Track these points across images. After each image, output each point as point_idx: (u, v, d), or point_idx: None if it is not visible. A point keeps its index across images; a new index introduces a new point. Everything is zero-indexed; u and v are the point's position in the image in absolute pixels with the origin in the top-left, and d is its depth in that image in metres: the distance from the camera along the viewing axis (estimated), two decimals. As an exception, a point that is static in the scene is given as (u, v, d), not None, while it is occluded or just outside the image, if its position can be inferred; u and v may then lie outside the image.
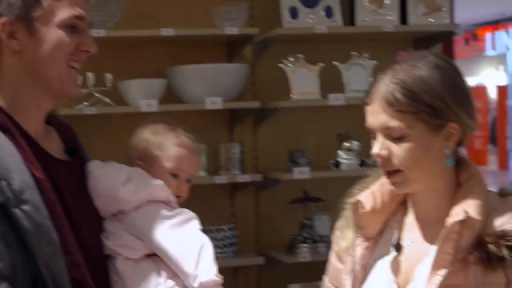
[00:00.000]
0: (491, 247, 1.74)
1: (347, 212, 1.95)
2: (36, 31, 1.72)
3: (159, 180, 1.97)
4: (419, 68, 1.79)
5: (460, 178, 1.85)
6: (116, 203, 1.91)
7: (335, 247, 2.04)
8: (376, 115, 1.80)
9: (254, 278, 4.18)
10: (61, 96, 1.81)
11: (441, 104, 1.77)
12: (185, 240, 1.90)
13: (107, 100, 3.80)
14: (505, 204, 1.83)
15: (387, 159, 1.80)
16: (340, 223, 2.03)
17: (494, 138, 19.43)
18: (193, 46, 4.11)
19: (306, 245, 3.97)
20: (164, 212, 1.93)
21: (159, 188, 1.95)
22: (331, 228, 4.11)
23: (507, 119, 18.50)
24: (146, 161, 2.02)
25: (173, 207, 1.97)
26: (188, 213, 1.96)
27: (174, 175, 2.03)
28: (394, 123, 1.76)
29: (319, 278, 4.14)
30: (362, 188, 1.97)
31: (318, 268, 4.12)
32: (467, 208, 1.77)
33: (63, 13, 1.74)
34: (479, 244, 1.76)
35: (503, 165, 17.72)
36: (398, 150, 1.78)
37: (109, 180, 1.90)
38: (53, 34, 1.73)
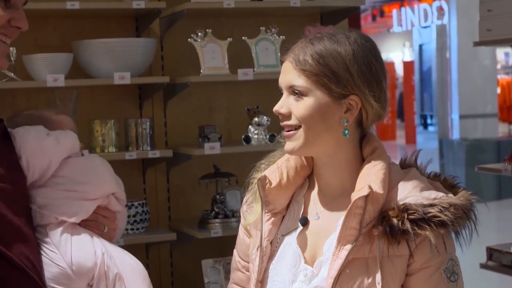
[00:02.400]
0: (395, 221, 1.77)
1: (255, 188, 1.97)
2: None
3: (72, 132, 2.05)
4: (335, 38, 1.85)
5: (364, 152, 1.89)
6: (44, 159, 1.95)
7: (242, 221, 2.06)
8: (285, 73, 1.86)
9: (166, 254, 4.17)
10: None
11: (346, 74, 1.82)
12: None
13: (11, 75, 3.71)
14: (407, 177, 1.87)
15: (287, 117, 1.86)
16: (247, 198, 2.04)
17: (401, 113, 19.86)
18: (100, 20, 4.04)
19: (218, 220, 3.98)
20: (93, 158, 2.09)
21: (76, 138, 2.05)
22: (242, 202, 4.16)
23: (414, 95, 18.94)
24: None
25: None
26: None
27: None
28: (298, 81, 1.83)
29: (231, 253, 4.18)
30: (269, 163, 1.99)
31: (230, 243, 4.13)
32: (370, 183, 1.80)
33: None
34: (383, 218, 1.80)
35: (410, 139, 18.16)
36: (296, 107, 1.84)
37: (33, 135, 1.95)
38: None
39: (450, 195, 1.84)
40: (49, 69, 3.71)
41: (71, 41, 3.91)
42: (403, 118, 19.35)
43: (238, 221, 3.90)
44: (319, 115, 1.83)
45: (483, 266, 4.39)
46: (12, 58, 3.70)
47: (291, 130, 1.86)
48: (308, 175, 1.97)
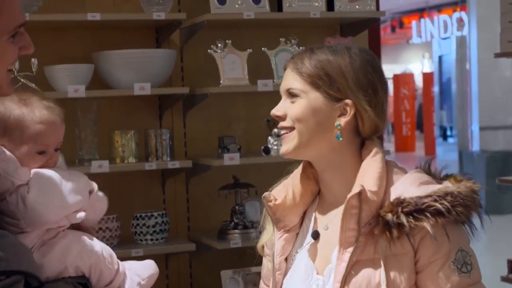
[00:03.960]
0: (389, 215, 1.77)
1: (264, 210, 2.00)
2: None
3: (22, 169, 1.87)
4: (337, 49, 1.89)
5: (362, 158, 1.90)
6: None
7: (259, 246, 2.07)
8: (285, 78, 1.92)
9: (186, 265, 4.18)
10: None
11: (341, 78, 1.86)
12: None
13: (32, 85, 3.74)
14: (406, 175, 1.88)
15: (282, 118, 1.91)
16: (262, 219, 2.06)
17: (420, 124, 19.79)
18: (120, 31, 4.07)
19: (237, 231, 3.98)
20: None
21: (22, 178, 1.87)
22: (262, 214, 4.15)
23: (433, 106, 18.88)
24: (9, 144, 1.89)
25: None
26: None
27: (41, 152, 1.92)
28: (294, 84, 1.88)
29: (251, 264, 4.18)
30: (279, 183, 2.01)
31: (249, 254, 4.15)
32: (363, 182, 1.82)
33: (9, 26, 1.67)
34: (380, 215, 1.80)
35: (429, 150, 18.08)
36: (291, 108, 1.88)
37: None
38: (5, 42, 1.67)
39: (450, 185, 1.83)
40: (70, 80, 3.73)
41: (91, 52, 3.93)
42: (422, 130, 19.29)
43: (258, 232, 3.94)
44: (312, 116, 1.86)
45: (504, 279, 4.36)
46: (33, 69, 3.73)
47: (287, 133, 1.89)
48: (317, 192, 1.98)
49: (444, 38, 17.85)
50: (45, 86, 3.79)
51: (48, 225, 1.88)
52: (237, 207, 4.02)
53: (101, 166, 3.72)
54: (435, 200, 1.76)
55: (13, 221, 1.82)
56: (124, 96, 3.96)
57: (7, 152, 1.87)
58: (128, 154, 3.89)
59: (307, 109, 1.85)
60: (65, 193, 1.89)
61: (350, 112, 1.86)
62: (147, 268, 2.06)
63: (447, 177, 1.91)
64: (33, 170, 1.90)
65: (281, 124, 1.91)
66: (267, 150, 4.02)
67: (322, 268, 1.89)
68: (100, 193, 2.03)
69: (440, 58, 19.18)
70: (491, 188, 9.61)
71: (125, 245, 3.82)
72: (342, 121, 1.86)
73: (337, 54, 1.87)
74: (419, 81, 20.83)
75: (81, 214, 1.93)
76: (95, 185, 2.00)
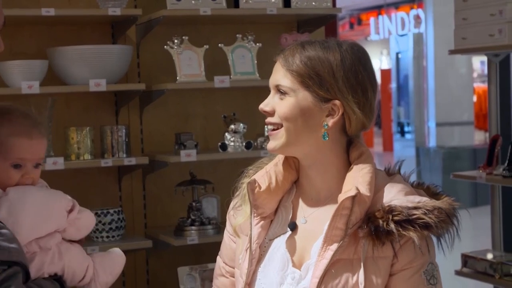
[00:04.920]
0: (380, 221, 1.80)
1: (243, 192, 1.99)
2: None
3: None
4: (328, 45, 1.89)
5: (351, 157, 1.92)
6: None
7: (228, 226, 2.07)
8: (275, 72, 1.92)
9: (143, 261, 4.16)
10: None
11: (331, 78, 1.86)
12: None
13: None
14: (391, 182, 1.90)
15: (270, 114, 1.90)
16: (234, 203, 2.05)
17: (378, 120, 19.89)
18: (75, 26, 4.03)
19: (194, 227, 3.96)
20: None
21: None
22: (219, 210, 4.17)
23: (391, 102, 19.02)
24: None
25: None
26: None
27: (16, 166, 1.89)
28: (284, 81, 1.88)
29: (208, 260, 4.18)
30: (257, 168, 2.01)
31: (206, 251, 4.16)
32: (357, 185, 1.84)
33: None
34: (369, 219, 1.83)
35: (387, 146, 18.23)
36: (279, 105, 1.88)
37: None
38: None
39: (433, 200, 1.88)
40: (24, 76, 3.69)
41: (46, 48, 3.89)
42: (380, 126, 19.43)
43: (215, 229, 3.95)
44: (300, 115, 1.87)
45: (458, 272, 4.41)
46: (-14, 65, 3.69)
47: (275, 129, 1.90)
48: (295, 181, 1.99)
49: (402, 35, 17.98)
50: (-1, 82, 3.75)
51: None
52: (194, 204, 4.01)
53: (56, 163, 3.68)
54: (425, 213, 1.81)
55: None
56: (80, 92, 3.92)
57: None
58: (83, 151, 3.85)
59: (295, 108, 1.86)
60: (37, 215, 1.84)
61: (338, 112, 1.87)
62: (115, 257, 2.05)
63: (419, 185, 1.97)
64: (8, 188, 1.85)
65: (269, 120, 1.91)
66: (224, 147, 4.02)
67: (299, 261, 1.91)
68: (85, 211, 1.98)
69: (397, 55, 19.32)
70: (446, 183, 9.73)
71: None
72: (330, 121, 1.88)
73: (328, 52, 1.87)
74: (377, 78, 20.96)
75: (54, 240, 1.89)
76: (75, 203, 1.95)
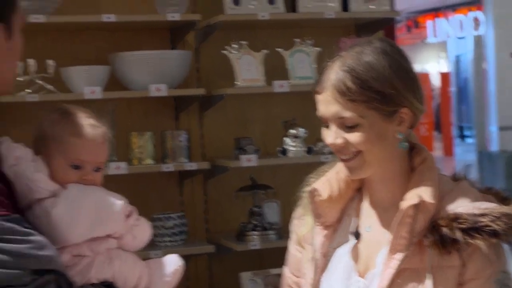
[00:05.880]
0: (445, 230, 1.75)
1: (305, 201, 1.96)
2: (12, 35, 1.69)
3: (41, 174, 1.81)
4: (366, 54, 1.79)
5: (413, 163, 1.87)
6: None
7: (293, 236, 2.04)
8: (328, 105, 1.80)
9: (205, 266, 4.16)
10: None
11: (392, 90, 1.78)
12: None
13: (49, 87, 3.75)
14: (457, 188, 1.85)
15: (343, 146, 1.81)
16: (298, 212, 2.02)
17: (438, 124, 19.69)
18: (135, 32, 4.07)
19: (255, 232, 3.96)
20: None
21: (39, 184, 1.80)
22: (280, 215, 4.16)
23: (450, 106, 18.79)
24: (45, 153, 1.85)
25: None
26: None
27: (75, 167, 1.86)
28: (347, 113, 1.77)
29: (269, 266, 4.17)
30: (318, 176, 1.97)
31: (268, 256, 4.15)
32: (420, 193, 1.79)
33: (22, 19, 1.73)
34: (434, 227, 1.77)
35: (448, 151, 18.00)
36: (352, 137, 1.79)
37: (4, 157, 1.78)
38: (19, 39, 1.72)
39: (502, 206, 1.81)
40: (86, 82, 3.74)
41: (107, 53, 3.93)
42: (440, 130, 19.20)
43: (276, 234, 3.93)
44: (376, 138, 1.80)
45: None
46: (50, 71, 3.74)
47: (350, 158, 1.82)
48: (358, 188, 1.95)
49: (460, 38, 17.76)
50: (62, 88, 3.80)
51: (66, 244, 1.79)
52: (255, 209, 4.01)
53: (119, 167, 3.72)
54: (492, 220, 1.74)
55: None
56: (141, 97, 3.96)
57: (32, 157, 1.83)
58: (145, 156, 3.88)
59: (369, 134, 1.78)
60: (96, 214, 1.82)
61: (408, 117, 1.81)
62: (171, 264, 2.03)
63: (487, 190, 1.89)
64: (69, 184, 1.84)
65: (344, 152, 1.81)
66: (284, 151, 4.01)
67: (364, 270, 1.87)
68: (143, 219, 1.94)
69: (457, 57, 19.08)
70: (509, 188, 9.54)
71: (144, 246, 3.80)
72: (402, 128, 1.82)
73: (374, 62, 1.78)
74: (435, 81, 20.74)
75: (106, 245, 1.85)
76: (134, 210, 1.91)
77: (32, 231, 1.57)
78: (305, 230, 1.96)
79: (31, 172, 1.79)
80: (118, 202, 1.88)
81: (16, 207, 1.68)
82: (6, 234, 1.53)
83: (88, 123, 1.89)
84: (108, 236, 1.88)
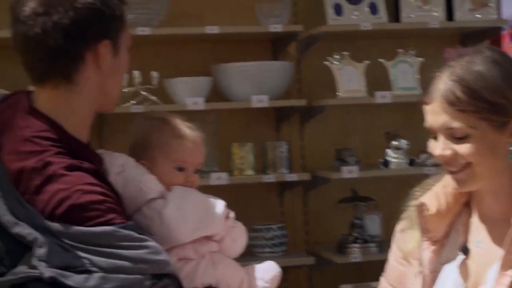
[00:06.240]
0: None
1: (411, 215, 1.91)
2: (119, 53, 1.74)
3: (150, 176, 1.87)
4: (476, 63, 1.73)
5: None
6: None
7: (395, 249, 1.99)
8: (437, 115, 1.75)
9: (305, 278, 4.14)
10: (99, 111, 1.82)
11: (503, 100, 1.71)
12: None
13: (153, 98, 3.81)
14: None
15: (451, 158, 1.76)
16: (401, 226, 1.98)
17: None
18: (237, 43, 4.10)
19: (356, 245, 3.92)
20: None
21: (149, 185, 1.86)
22: (382, 227, 4.10)
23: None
24: (149, 159, 1.92)
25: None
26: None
27: (180, 169, 1.93)
28: (457, 123, 1.72)
29: (370, 279, 4.10)
30: (424, 190, 1.92)
31: (368, 269, 4.10)
32: None
33: (129, 36, 1.79)
34: None
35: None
36: (462, 149, 1.74)
37: (107, 167, 1.83)
38: (125, 56, 1.77)
39: None
40: (189, 93, 3.79)
41: (210, 64, 3.98)
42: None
43: (378, 246, 3.88)
44: (487, 149, 1.73)
45: None
46: (154, 82, 3.80)
47: (459, 170, 1.77)
48: (465, 202, 1.89)
49: None
50: (165, 99, 3.86)
51: (176, 244, 1.84)
52: (356, 221, 3.97)
53: (220, 178, 3.75)
54: None
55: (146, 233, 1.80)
56: (242, 108, 3.98)
57: (134, 162, 1.88)
58: (246, 167, 3.91)
59: (480, 145, 1.72)
60: (201, 213, 1.86)
61: None
62: (269, 270, 2.03)
63: None
64: (173, 186, 1.89)
65: (453, 164, 1.76)
66: (386, 163, 3.96)
67: (473, 287, 1.81)
68: (238, 222, 1.98)
69: None
70: None
71: (244, 256, 3.79)
72: None
73: (484, 72, 1.72)
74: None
75: (208, 247, 1.90)
76: (231, 212, 1.96)
77: (146, 237, 1.61)
78: (411, 245, 1.91)
79: (140, 174, 1.85)
80: (219, 203, 1.92)
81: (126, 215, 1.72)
82: (125, 241, 1.56)
83: (187, 126, 1.98)
84: (209, 238, 1.91)
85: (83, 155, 1.68)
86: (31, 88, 1.76)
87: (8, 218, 1.55)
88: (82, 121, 1.74)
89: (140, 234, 1.59)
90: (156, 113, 2.06)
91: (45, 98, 1.71)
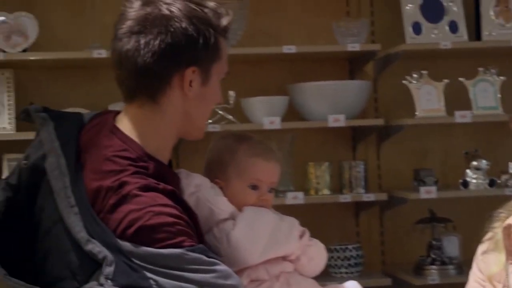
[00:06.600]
0: None
1: (496, 237, 1.87)
2: (209, 82, 1.76)
3: (221, 197, 1.86)
4: None
5: None
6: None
7: (477, 270, 1.95)
8: None
9: (382, 300, 4.09)
10: (184, 138, 1.84)
11: None
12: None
13: (230, 117, 3.83)
14: None
15: None
16: (484, 248, 1.94)
17: None
18: (314, 62, 4.10)
19: (434, 267, 3.86)
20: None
21: (220, 206, 1.85)
22: (461, 249, 4.01)
23: None
24: (223, 178, 1.92)
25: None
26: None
27: (254, 187, 1.92)
28: None
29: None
30: (509, 211, 1.88)
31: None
32: None
33: (225, 68, 1.80)
34: None
35: None
36: None
37: (183, 187, 1.84)
38: (216, 87, 1.78)
39: None
40: (266, 112, 3.80)
41: (286, 84, 3.98)
42: None
43: (456, 269, 3.80)
44: None
45: None
46: (231, 101, 3.83)
47: None
48: None
49: None
50: (242, 118, 3.88)
51: (245, 265, 1.83)
52: (434, 242, 3.91)
53: (296, 197, 3.74)
54: None
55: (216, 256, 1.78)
56: (318, 127, 3.97)
57: (210, 183, 1.89)
58: (322, 186, 3.89)
59: None
60: (273, 234, 1.84)
61: None
62: None
63: None
64: (245, 207, 1.89)
65: None
66: (465, 184, 3.89)
67: None
68: (316, 240, 1.95)
69: None
70: None
71: (320, 277, 3.79)
72: None
73: None
74: None
75: (281, 268, 1.87)
76: (306, 230, 1.94)
77: (216, 260, 1.61)
78: (495, 268, 1.87)
79: (211, 195, 1.85)
80: (292, 221, 1.90)
81: (200, 236, 1.72)
82: (193, 264, 1.57)
83: (263, 145, 1.98)
84: (284, 258, 1.89)
85: (161, 175, 1.69)
86: (119, 107, 1.81)
87: (82, 234, 1.57)
88: (163, 142, 1.76)
89: (209, 257, 1.59)
90: (232, 132, 2.08)
91: (130, 117, 1.75)
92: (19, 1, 3.93)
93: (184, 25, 1.70)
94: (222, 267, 1.60)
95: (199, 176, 1.88)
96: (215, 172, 1.94)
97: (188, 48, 1.71)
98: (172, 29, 1.70)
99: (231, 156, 1.94)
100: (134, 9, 1.73)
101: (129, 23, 1.72)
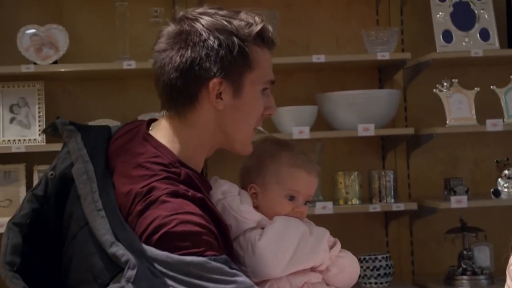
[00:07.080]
0: None
1: None
2: (241, 93, 1.74)
3: (246, 206, 1.84)
4: None
5: None
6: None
7: (510, 282, 1.93)
8: None
9: (412, 310, 4.06)
10: (230, 151, 1.83)
11: None
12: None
13: (259, 127, 3.82)
14: None
15: None
16: None
17: None
18: (343, 72, 4.09)
19: (465, 277, 3.82)
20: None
21: (245, 215, 1.83)
22: (492, 259, 3.97)
23: None
24: (260, 184, 1.90)
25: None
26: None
27: (291, 198, 1.90)
28: None
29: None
30: None
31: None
32: None
33: (264, 78, 1.78)
34: None
35: None
36: None
37: (212, 194, 1.83)
38: (252, 98, 1.77)
39: None
40: (295, 121, 3.79)
41: (315, 93, 3.97)
42: None
43: (488, 279, 3.76)
44: None
45: None
46: (261, 112, 3.82)
47: None
48: None
49: None
50: (271, 128, 3.87)
51: (268, 277, 1.80)
52: (465, 252, 3.87)
53: (325, 207, 3.73)
54: None
55: (241, 266, 1.79)
56: (347, 137, 3.95)
57: (239, 190, 1.88)
58: (351, 196, 3.87)
59: None
60: (298, 249, 1.82)
61: None
62: None
63: None
64: (275, 217, 1.87)
65: None
66: (497, 193, 3.85)
67: None
68: (348, 252, 1.93)
69: None
70: None
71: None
72: None
73: None
74: None
75: (306, 279, 1.85)
76: (337, 241, 1.91)
77: (238, 272, 1.60)
78: None
79: (236, 204, 1.83)
80: (323, 233, 1.88)
81: (229, 244, 1.72)
82: (214, 274, 1.56)
83: (305, 157, 1.94)
84: (312, 269, 1.87)
85: (193, 182, 1.70)
86: (149, 118, 1.85)
87: (107, 237, 1.58)
88: (194, 152, 1.76)
89: (232, 268, 1.59)
90: (273, 137, 2.04)
91: (162, 126, 1.78)
92: (50, 14, 3.96)
93: (203, 37, 1.71)
94: (242, 278, 1.59)
95: (227, 183, 1.88)
96: (253, 176, 1.92)
97: (209, 59, 1.71)
98: (191, 43, 1.71)
99: (272, 162, 1.91)
100: (166, 27, 1.77)
101: (161, 40, 1.76)
